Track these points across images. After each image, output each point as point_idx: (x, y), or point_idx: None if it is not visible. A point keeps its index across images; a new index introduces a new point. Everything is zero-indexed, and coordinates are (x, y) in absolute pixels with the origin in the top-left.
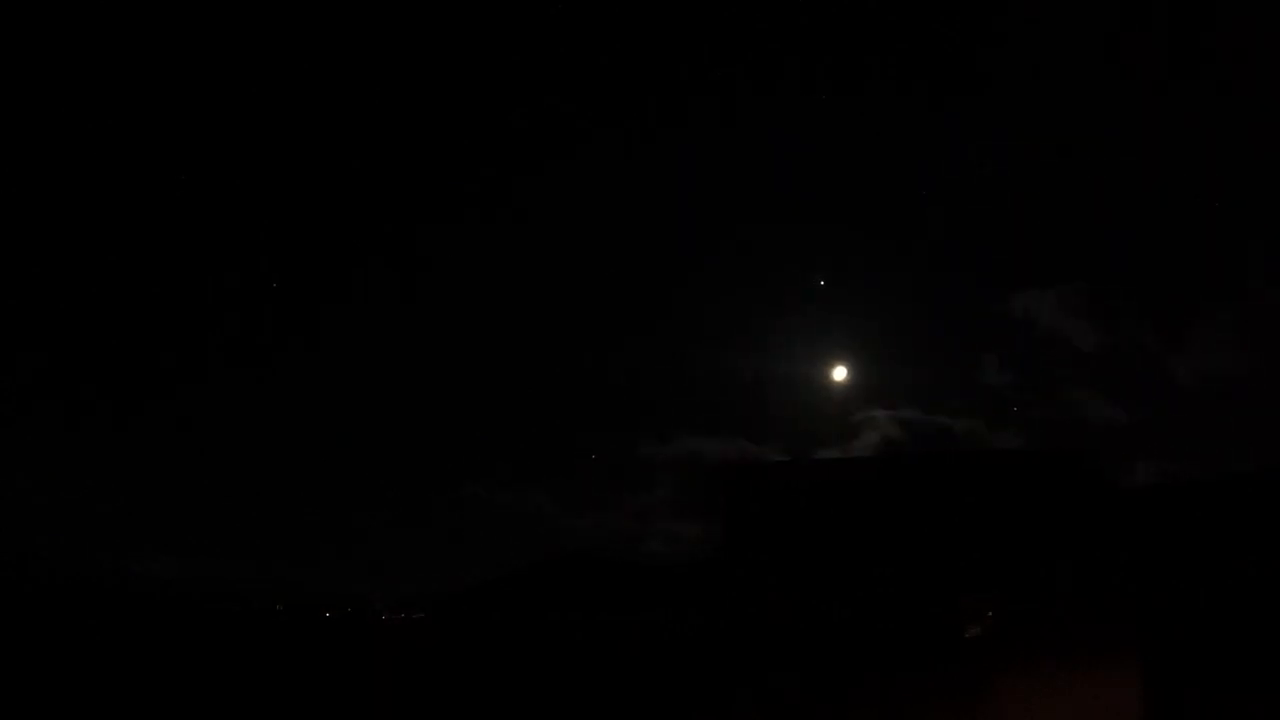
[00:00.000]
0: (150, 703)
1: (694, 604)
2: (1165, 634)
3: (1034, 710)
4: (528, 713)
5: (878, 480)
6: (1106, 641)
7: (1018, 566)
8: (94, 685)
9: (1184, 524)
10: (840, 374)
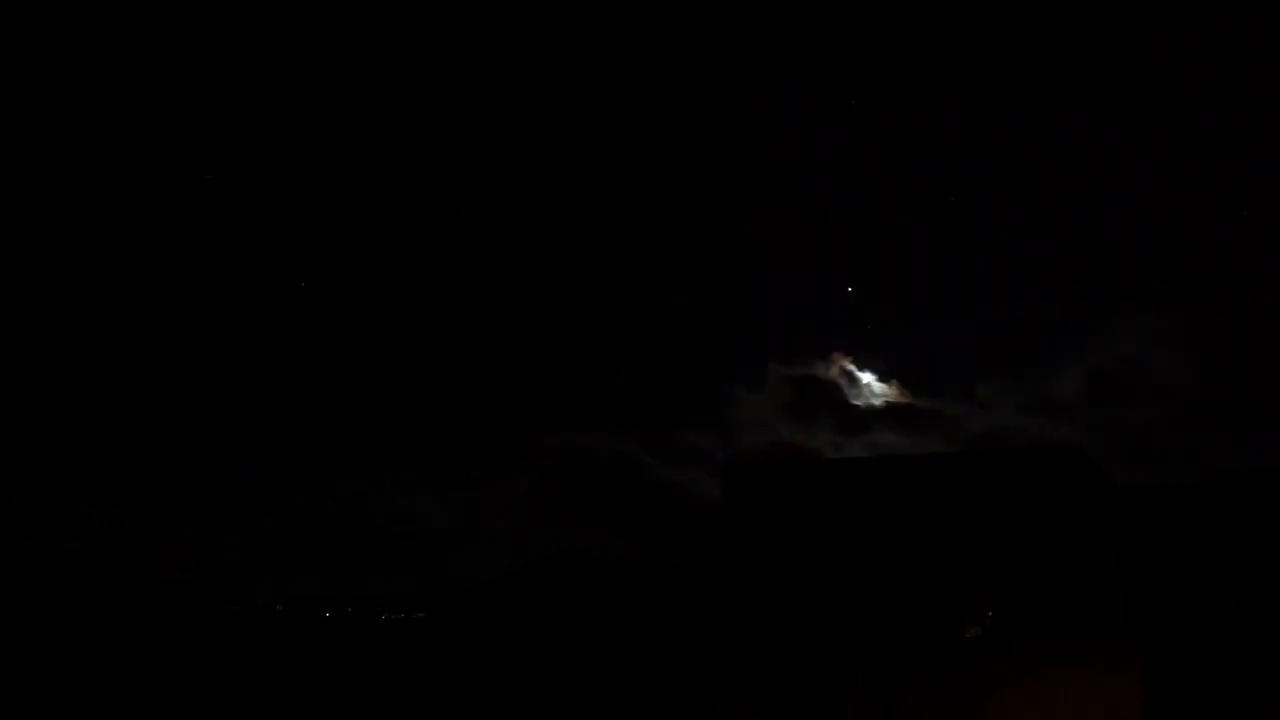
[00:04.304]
0: (154, 700)
1: (693, 603)
2: (1165, 633)
3: (1034, 710)
4: (528, 712)
5: (877, 481)
6: (1106, 642)
7: (1017, 566)
8: (99, 682)
9: (1183, 524)
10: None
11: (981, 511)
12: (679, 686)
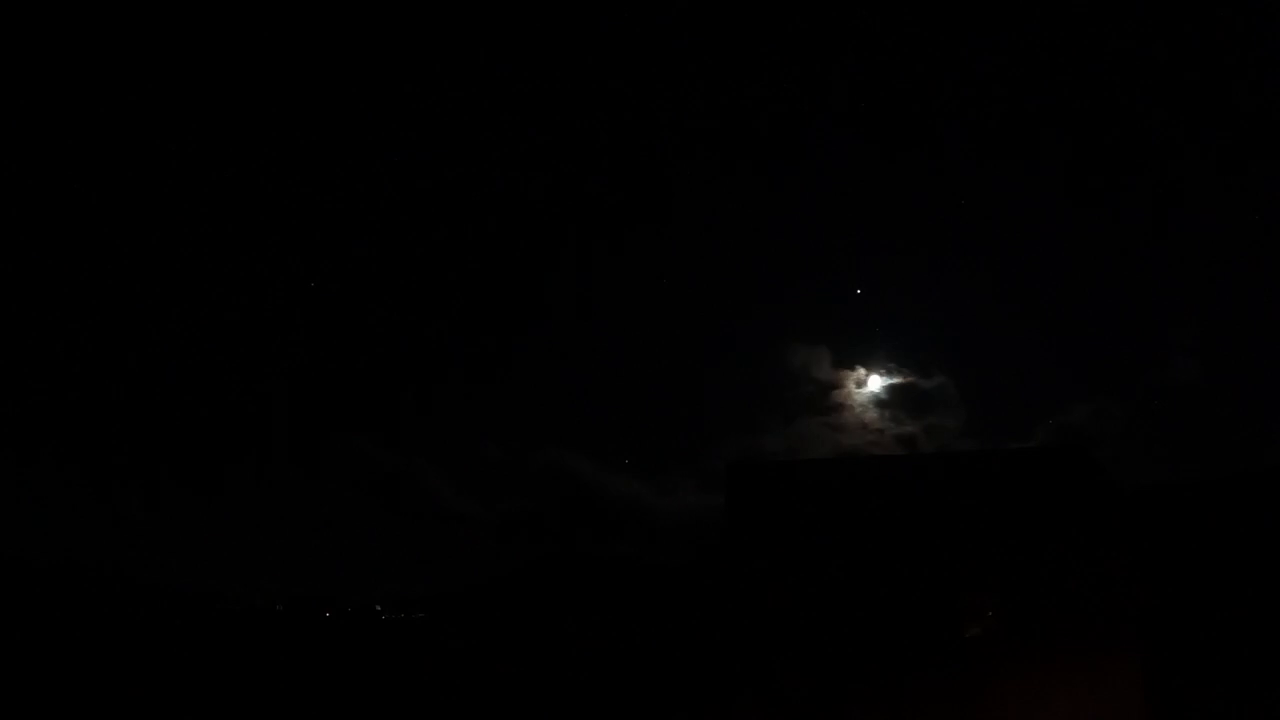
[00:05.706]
0: (156, 699)
1: (694, 604)
2: (1165, 633)
3: (1034, 710)
4: (527, 712)
5: (878, 481)
6: (1106, 641)
7: (1018, 566)
8: (100, 682)
9: (1184, 524)
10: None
11: (983, 511)
12: (680, 685)
